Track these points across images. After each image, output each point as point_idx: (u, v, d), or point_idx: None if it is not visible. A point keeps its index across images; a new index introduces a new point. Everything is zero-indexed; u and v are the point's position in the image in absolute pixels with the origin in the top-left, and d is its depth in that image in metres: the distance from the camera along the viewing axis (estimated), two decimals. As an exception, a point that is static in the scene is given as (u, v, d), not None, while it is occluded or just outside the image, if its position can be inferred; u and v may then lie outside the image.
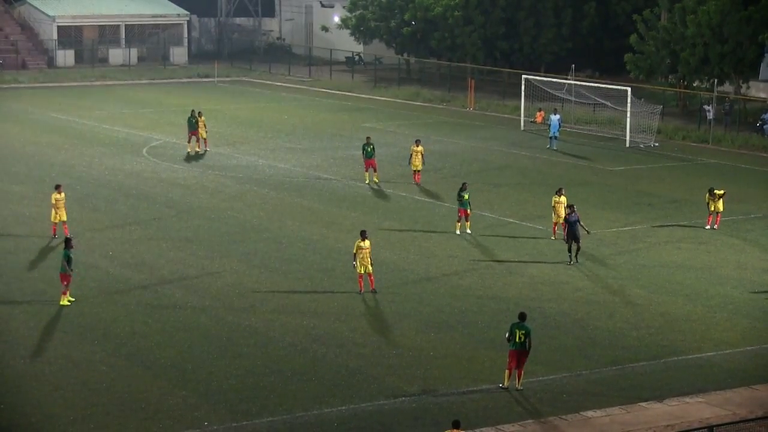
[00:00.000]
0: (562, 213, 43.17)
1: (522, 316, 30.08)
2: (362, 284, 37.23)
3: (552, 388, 30.01)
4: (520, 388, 29.74)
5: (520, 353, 29.69)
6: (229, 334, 33.56)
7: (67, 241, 35.94)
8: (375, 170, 54.26)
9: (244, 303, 36.35)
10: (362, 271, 37.05)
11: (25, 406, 28.36)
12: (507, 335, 29.96)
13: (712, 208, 46.08)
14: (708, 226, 46.09)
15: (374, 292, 37.14)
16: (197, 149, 61.08)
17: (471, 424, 27.07)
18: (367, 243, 37.05)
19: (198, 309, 35.73)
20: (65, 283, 35.59)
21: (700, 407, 28.92)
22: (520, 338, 29.69)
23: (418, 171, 54.13)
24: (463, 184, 45.09)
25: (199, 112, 61.98)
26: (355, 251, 37.12)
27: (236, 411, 28.23)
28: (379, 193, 52.39)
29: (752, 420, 27.39)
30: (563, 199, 43.79)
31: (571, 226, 41.48)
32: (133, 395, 28.98)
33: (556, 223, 43.93)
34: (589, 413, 28.46)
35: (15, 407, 28.28)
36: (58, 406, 28.32)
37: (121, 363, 31.17)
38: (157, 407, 28.35)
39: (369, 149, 54.04)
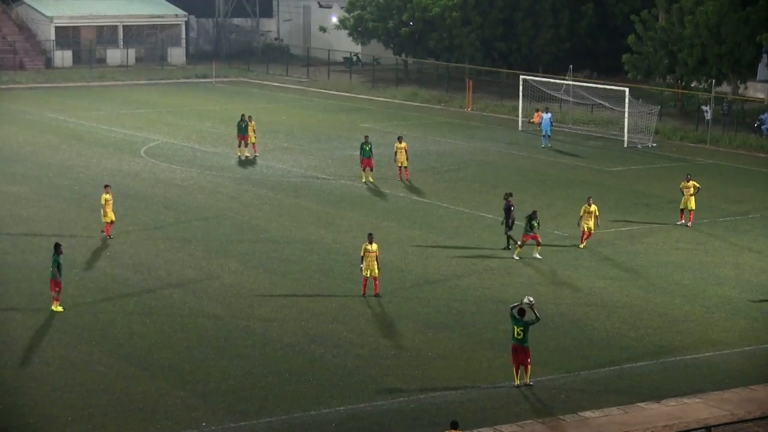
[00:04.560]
0: (591, 223, 42.75)
1: (521, 312, 30.11)
2: (365, 287, 37.12)
3: (550, 388, 30.00)
4: (520, 383, 29.75)
5: (516, 348, 29.81)
6: (227, 334, 33.54)
7: (57, 247, 35.36)
8: (371, 170, 54.37)
9: (241, 303, 36.33)
10: (368, 275, 36.77)
11: (22, 406, 28.34)
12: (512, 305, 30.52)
13: (683, 205, 46.32)
14: (680, 222, 46.26)
15: (378, 296, 36.89)
16: (247, 154, 60.28)
17: (469, 425, 27.05)
18: (374, 246, 36.72)
19: (196, 310, 35.71)
20: (56, 289, 35.21)
21: (698, 407, 28.92)
22: (518, 334, 29.77)
23: (405, 167, 54.42)
24: (534, 212, 42.17)
25: (249, 116, 60.75)
26: (362, 254, 36.91)
27: (234, 411, 28.22)
28: (377, 193, 52.38)
29: (750, 420, 27.39)
30: (594, 208, 42.93)
31: (508, 213, 42.45)
32: (131, 396, 28.96)
33: (584, 232, 43.01)
34: (587, 413, 28.46)
35: (13, 408, 28.25)
36: (56, 407, 28.30)
37: (119, 364, 31.15)
38: (155, 408, 28.33)
39: (367, 148, 54.14)
